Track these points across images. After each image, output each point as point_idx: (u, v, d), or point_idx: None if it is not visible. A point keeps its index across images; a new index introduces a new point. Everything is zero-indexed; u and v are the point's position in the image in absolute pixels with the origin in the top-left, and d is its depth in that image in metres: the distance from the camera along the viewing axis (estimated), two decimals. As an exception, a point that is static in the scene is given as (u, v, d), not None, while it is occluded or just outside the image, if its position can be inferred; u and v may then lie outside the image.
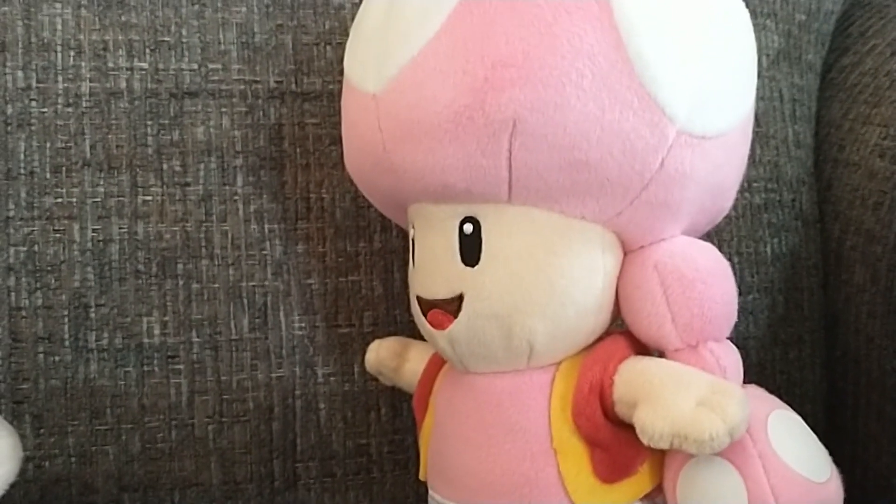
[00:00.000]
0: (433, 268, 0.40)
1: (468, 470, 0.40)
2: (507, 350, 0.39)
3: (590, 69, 0.34)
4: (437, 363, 0.45)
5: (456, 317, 0.39)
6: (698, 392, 0.35)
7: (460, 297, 0.39)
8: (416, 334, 0.49)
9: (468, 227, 0.38)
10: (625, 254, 0.39)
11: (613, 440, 0.38)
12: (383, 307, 0.54)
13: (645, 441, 0.35)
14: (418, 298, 0.41)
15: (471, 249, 0.38)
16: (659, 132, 0.35)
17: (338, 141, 0.54)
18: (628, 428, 0.37)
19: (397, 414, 0.53)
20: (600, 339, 0.40)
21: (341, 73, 0.53)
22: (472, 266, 0.38)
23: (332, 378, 0.53)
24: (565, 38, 0.34)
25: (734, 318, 0.39)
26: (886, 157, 0.55)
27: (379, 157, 0.39)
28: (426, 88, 0.36)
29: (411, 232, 0.42)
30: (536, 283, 0.38)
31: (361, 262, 0.54)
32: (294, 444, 0.52)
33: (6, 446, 0.41)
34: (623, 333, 0.40)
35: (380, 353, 0.49)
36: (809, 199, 0.59)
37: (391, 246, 0.54)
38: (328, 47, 0.54)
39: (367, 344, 0.50)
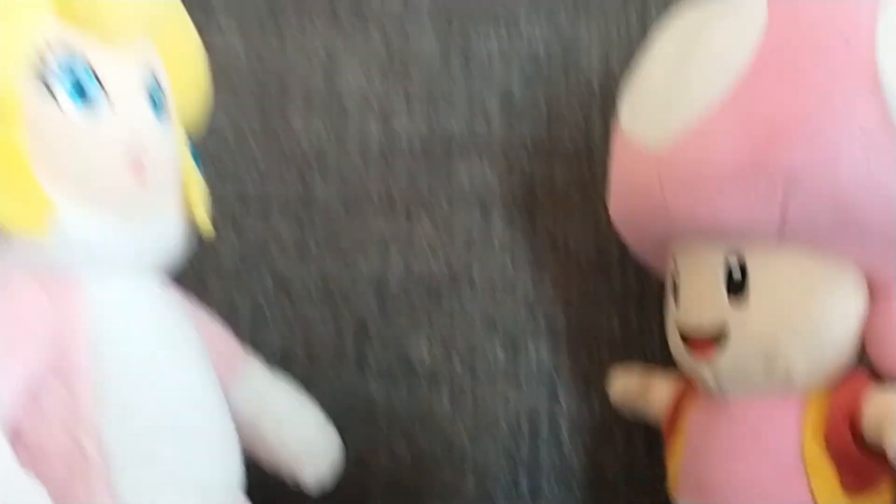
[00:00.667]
0: (698, 302, 0.45)
1: (726, 485, 0.45)
2: (767, 379, 0.43)
3: (861, 134, 0.39)
4: (685, 391, 0.50)
5: (719, 348, 0.44)
6: None
7: (724, 330, 0.44)
8: (652, 369, 0.55)
9: (735, 265, 0.44)
10: (872, 295, 0.44)
11: (861, 461, 0.42)
12: (622, 344, 0.59)
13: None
14: (680, 330, 0.46)
15: (737, 285, 0.44)
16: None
17: (584, 191, 0.60)
18: (875, 449, 0.41)
19: (632, 440, 0.59)
20: (847, 371, 0.44)
21: (589, 128, 0.61)
22: (738, 301, 0.43)
23: (573, 405, 0.59)
24: (841, 105, 0.40)
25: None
26: None
27: (655, 205, 0.45)
28: (710, 146, 0.42)
29: (673, 268, 0.48)
30: (801, 321, 0.43)
31: (602, 300, 0.60)
32: (538, 462, 0.58)
33: (336, 443, 0.48)
34: (865, 367, 0.44)
35: (625, 383, 0.54)
36: None
37: (630, 287, 0.60)
38: (577, 105, 0.61)
39: (607, 376, 0.56)
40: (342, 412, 0.58)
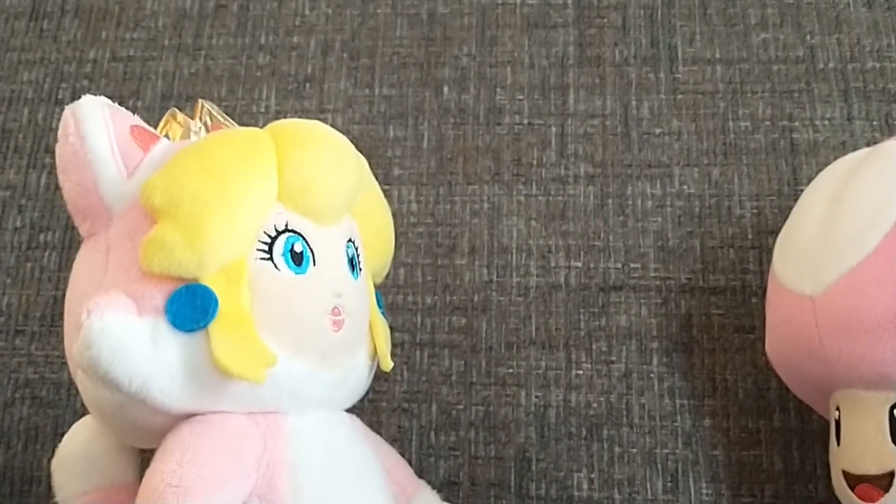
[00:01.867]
0: (862, 447, 0.46)
1: None
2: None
3: None
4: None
5: (887, 491, 0.44)
6: None
7: (891, 474, 0.44)
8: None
9: (900, 413, 0.44)
10: None
11: None
12: (783, 482, 0.59)
13: None
14: (845, 473, 0.47)
15: (903, 433, 0.44)
16: None
17: (741, 329, 0.62)
18: None
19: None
20: None
21: (744, 271, 0.63)
22: (905, 448, 0.44)
23: (739, 543, 0.59)
24: None
25: None
26: None
27: (813, 350, 0.47)
28: (865, 294, 0.44)
29: (835, 413, 0.48)
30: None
31: (762, 438, 0.60)
32: None
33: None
34: None
35: (790, 523, 0.55)
36: None
37: (790, 425, 0.60)
38: (731, 250, 0.64)
39: (769, 514, 0.56)
40: (505, 542, 0.61)
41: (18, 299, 0.70)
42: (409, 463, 0.60)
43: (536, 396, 0.63)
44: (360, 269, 0.49)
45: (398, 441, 0.64)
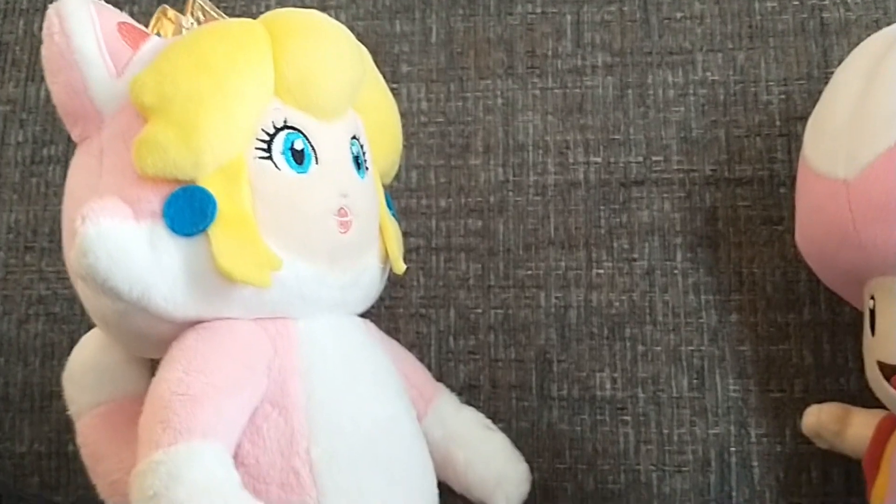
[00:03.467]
0: (899, 336, 0.44)
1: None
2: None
3: None
4: (888, 427, 0.48)
5: (925, 382, 0.42)
6: None
7: (930, 363, 0.42)
8: (847, 402, 0.53)
9: (940, 299, 0.42)
10: None
11: None
12: (813, 375, 0.58)
13: None
14: (880, 364, 0.45)
15: (943, 319, 0.42)
16: None
17: (767, 221, 0.60)
18: None
19: (829, 477, 0.57)
20: None
21: (770, 161, 0.60)
22: (945, 335, 0.42)
23: (764, 438, 0.58)
24: None
25: None
26: None
27: (847, 236, 0.44)
28: (904, 174, 0.41)
29: (870, 303, 0.46)
30: None
31: (791, 332, 0.58)
32: (730, 497, 0.57)
33: (525, 470, 0.50)
34: None
35: (821, 417, 0.53)
36: None
37: (820, 318, 0.58)
38: (758, 138, 0.61)
39: (799, 409, 0.54)
40: (526, 442, 0.60)
41: (26, 215, 0.68)
42: (429, 368, 0.59)
43: (556, 297, 0.61)
44: (367, 169, 0.46)
45: (416, 347, 0.63)
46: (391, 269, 0.49)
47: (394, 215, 0.50)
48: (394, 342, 0.50)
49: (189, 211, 0.39)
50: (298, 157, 0.42)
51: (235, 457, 0.39)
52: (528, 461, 0.59)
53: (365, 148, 0.47)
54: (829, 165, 0.46)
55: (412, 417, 0.45)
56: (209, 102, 0.40)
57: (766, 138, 0.61)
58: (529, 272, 0.62)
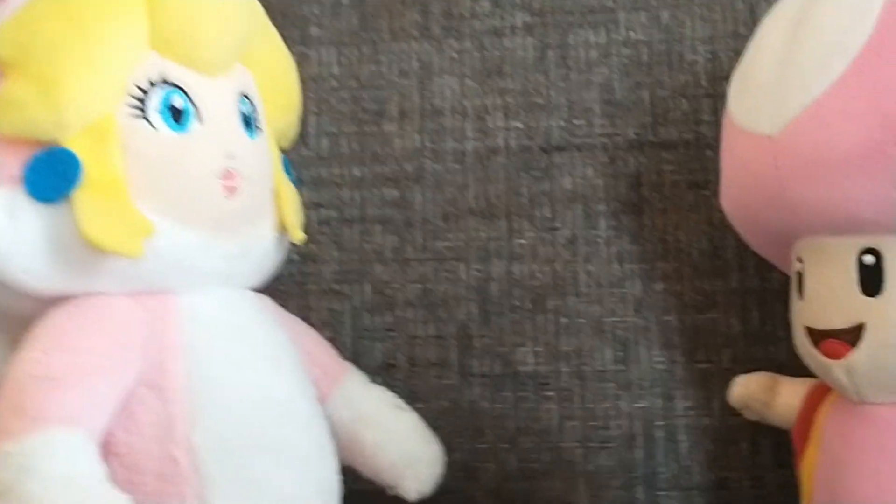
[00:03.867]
0: (828, 299, 0.41)
1: (871, 501, 0.40)
2: (915, 380, 0.39)
3: None
4: (818, 395, 0.46)
5: (855, 346, 0.40)
6: None
7: (860, 327, 0.40)
8: (776, 371, 0.51)
9: (869, 259, 0.40)
10: None
11: None
12: (742, 344, 0.56)
13: None
14: (809, 329, 0.43)
15: (872, 279, 0.40)
16: None
17: (693, 186, 0.57)
18: None
19: (758, 449, 0.55)
20: None
21: (696, 122, 0.58)
22: (874, 296, 0.40)
23: (692, 411, 0.55)
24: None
25: None
26: None
27: (773, 195, 0.42)
28: (832, 128, 0.38)
29: (798, 265, 0.44)
30: (947, 311, 0.38)
31: (719, 300, 0.56)
32: (656, 473, 0.55)
33: (437, 450, 0.47)
34: None
35: (749, 387, 0.51)
36: None
37: (748, 285, 0.56)
38: (683, 99, 0.58)
39: (727, 380, 0.52)
40: (447, 421, 0.57)
41: None
42: (343, 347, 0.56)
43: (477, 270, 0.58)
44: (259, 129, 0.42)
45: (330, 325, 0.59)
46: (295, 242, 0.45)
47: (294, 181, 0.46)
48: (295, 319, 0.46)
49: (51, 174, 0.35)
50: (178, 116, 0.38)
51: (106, 446, 0.35)
52: (447, 441, 0.56)
53: (257, 106, 0.43)
54: (754, 121, 0.43)
55: (309, 398, 0.41)
56: (72, 54, 0.36)
57: (691, 99, 0.58)
58: (448, 244, 0.59)
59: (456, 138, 0.60)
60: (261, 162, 0.42)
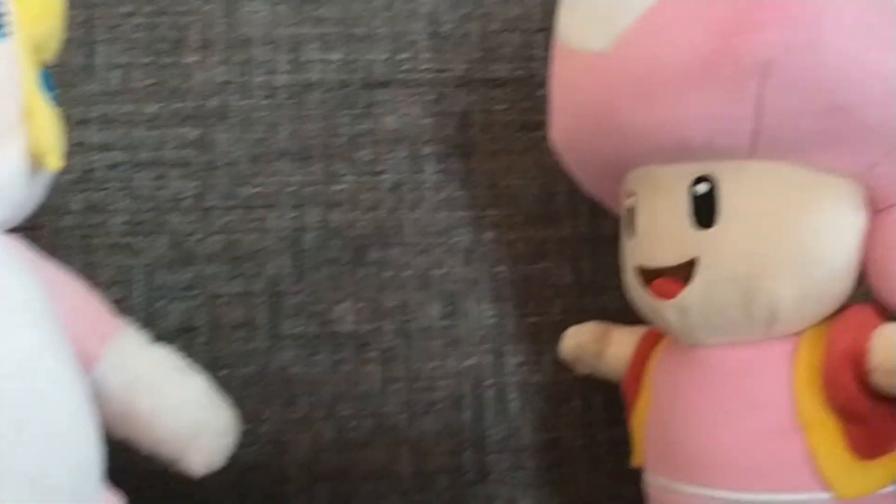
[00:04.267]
0: (660, 234, 0.38)
1: (703, 449, 0.37)
2: (747, 318, 0.36)
3: (849, 4, 0.33)
4: (650, 342, 0.43)
5: (687, 284, 0.37)
6: None
7: (692, 263, 0.37)
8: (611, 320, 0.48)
9: (703, 188, 0.37)
10: (872, 211, 0.37)
11: (870, 412, 0.35)
12: (574, 295, 0.52)
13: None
14: (641, 269, 0.39)
15: (705, 210, 0.36)
16: (922, 72, 0.33)
17: (526, 127, 0.53)
18: (886, 399, 0.34)
19: (590, 406, 0.52)
20: (843, 308, 0.37)
21: (528, 59, 0.54)
22: (707, 228, 0.36)
23: (522, 367, 0.52)
24: (822, -28, 0.33)
25: None
26: None
27: (604, 119, 0.38)
28: (664, 38, 0.35)
29: (628, 201, 0.40)
30: (782, 242, 0.35)
31: (550, 249, 0.53)
32: (484, 436, 0.51)
33: (228, 418, 0.41)
34: (869, 303, 0.38)
35: (580, 338, 0.48)
36: None
37: (581, 233, 0.53)
38: (515, 34, 0.54)
39: (558, 332, 0.49)
40: (254, 390, 0.51)
41: None
42: (135, 309, 0.49)
43: (289, 218, 0.52)
44: (6, 34, 0.35)
45: (119, 284, 0.51)
46: (53, 171, 0.37)
47: (54, 98, 0.39)
48: (55, 267, 0.38)
49: None
50: None
51: None
52: (255, 412, 0.51)
53: (5, 8, 0.35)
54: (583, 37, 0.39)
55: (62, 359, 0.34)
56: None
57: (524, 34, 0.54)
58: (257, 189, 0.52)
59: (266, 72, 0.53)
60: (3, 69, 0.34)
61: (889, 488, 0.36)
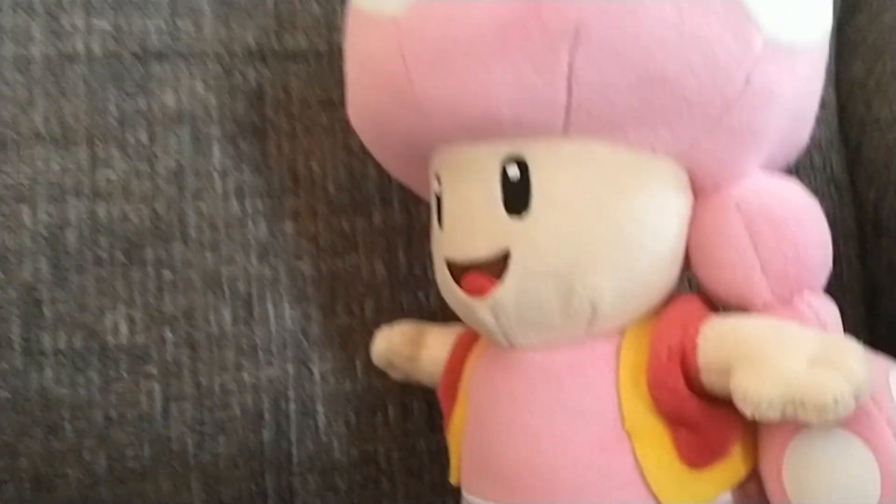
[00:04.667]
0: (469, 223, 0.33)
1: (522, 463, 0.33)
2: (566, 314, 0.32)
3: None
4: (465, 344, 0.39)
5: (501, 279, 0.32)
6: (808, 349, 0.29)
7: (506, 255, 0.32)
8: (427, 321, 0.43)
9: (513, 170, 0.32)
10: (696, 195, 0.34)
11: (700, 416, 0.32)
12: (387, 292, 0.47)
13: (748, 412, 0.29)
14: (449, 263, 0.34)
15: (517, 196, 0.32)
16: (744, 40, 0.30)
17: (328, 105, 0.48)
18: (717, 401, 0.31)
19: (408, 414, 0.47)
20: (669, 300, 0.34)
21: (329, 29, 0.48)
22: (520, 216, 0.32)
23: (330, 376, 0.46)
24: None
25: (830, 264, 0.34)
26: (925, 112, 0.50)
27: (401, 93, 0.33)
28: (462, 2, 0.30)
29: (436, 187, 0.36)
30: (601, 230, 0.31)
31: (360, 241, 0.47)
32: (289, 455, 0.45)
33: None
34: (695, 294, 0.34)
35: (392, 341, 0.43)
36: (839, 162, 0.55)
37: (394, 222, 0.48)
38: (314, 2, 0.48)
39: (370, 335, 0.44)
40: (8, 418, 0.42)
41: None
42: None
43: (47, 213, 0.44)
44: None
45: None
46: None
47: None
48: None
49: None
50: None
51: None
52: (9, 444, 0.42)
53: None
54: (374, 2, 0.34)
55: None
56: None
57: (323, 2, 0.48)
58: (7, 180, 0.44)
59: (18, 41, 0.45)
60: None
61: (723, 499, 0.33)
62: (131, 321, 0.44)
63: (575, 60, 0.29)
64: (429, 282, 0.47)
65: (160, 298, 0.44)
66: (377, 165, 0.42)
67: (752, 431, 0.33)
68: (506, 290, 0.32)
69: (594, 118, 0.31)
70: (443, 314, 0.43)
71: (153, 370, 0.44)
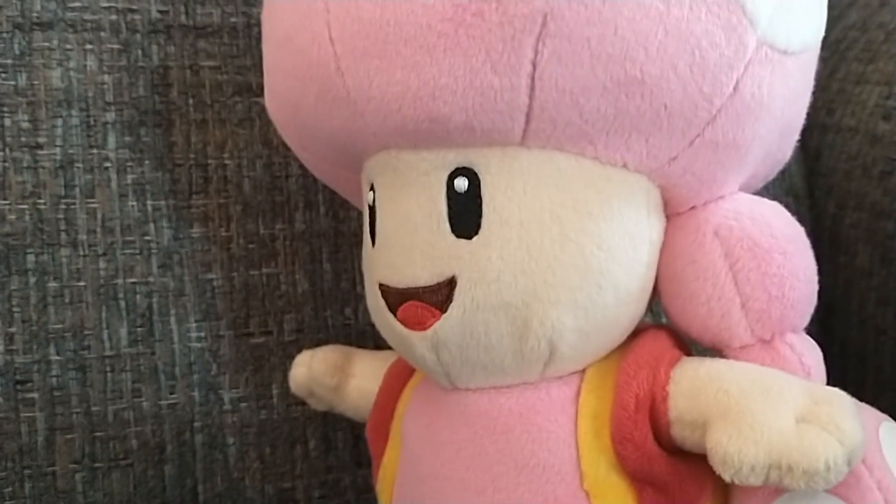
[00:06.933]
0: (408, 243, 0.28)
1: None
2: (519, 355, 0.28)
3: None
4: (400, 375, 0.34)
5: (444, 311, 0.27)
6: (794, 402, 0.25)
7: (451, 283, 0.27)
8: (354, 343, 0.39)
9: (462, 183, 0.27)
10: (668, 218, 0.29)
11: (670, 475, 0.27)
12: (310, 307, 0.42)
13: (727, 476, 0.25)
14: (383, 288, 0.29)
15: (466, 214, 0.27)
16: (737, 39, 0.25)
17: (244, 89, 0.42)
18: (688, 455, 0.27)
19: (330, 448, 0.42)
20: (633, 333, 0.30)
21: (248, 2, 0.43)
22: (469, 238, 0.27)
23: (242, 404, 0.41)
24: None
25: (815, 301, 0.30)
26: (893, 119, 0.47)
27: (329, 84, 0.27)
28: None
29: (369, 196, 0.30)
30: (563, 256, 0.27)
31: (279, 248, 0.42)
32: (195, 494, 0.40)
33: None
34: (662, 328, 0.30)
35: (313, 368, 0.37)
36: (798, 170, 0.52)
37: (318, 227, 0.43)
38: (229, -29, 0.42)
39: (289, 357, 0.39)
40: None
41: None
42: None
43: None
44: None
45: None
46: None
47: None
48: None
49: None
50: None
51: None
52: None
53: None
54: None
55: None
56: None
57: (239, -29, 0.43)
58: None
59: None
60: None
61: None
62: (9, 340, 0.38)
63: (540, 56, 0.24)
64: (357, 297, 0.42)
65: (44, 313, 0.38)
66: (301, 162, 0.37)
67: (724, 491, 0.29)
68: (449, 323, 0.27)
69: (558, 126, 0.26)
70: (374, 334, 0.37)
71: (34, 396, 0.38)
